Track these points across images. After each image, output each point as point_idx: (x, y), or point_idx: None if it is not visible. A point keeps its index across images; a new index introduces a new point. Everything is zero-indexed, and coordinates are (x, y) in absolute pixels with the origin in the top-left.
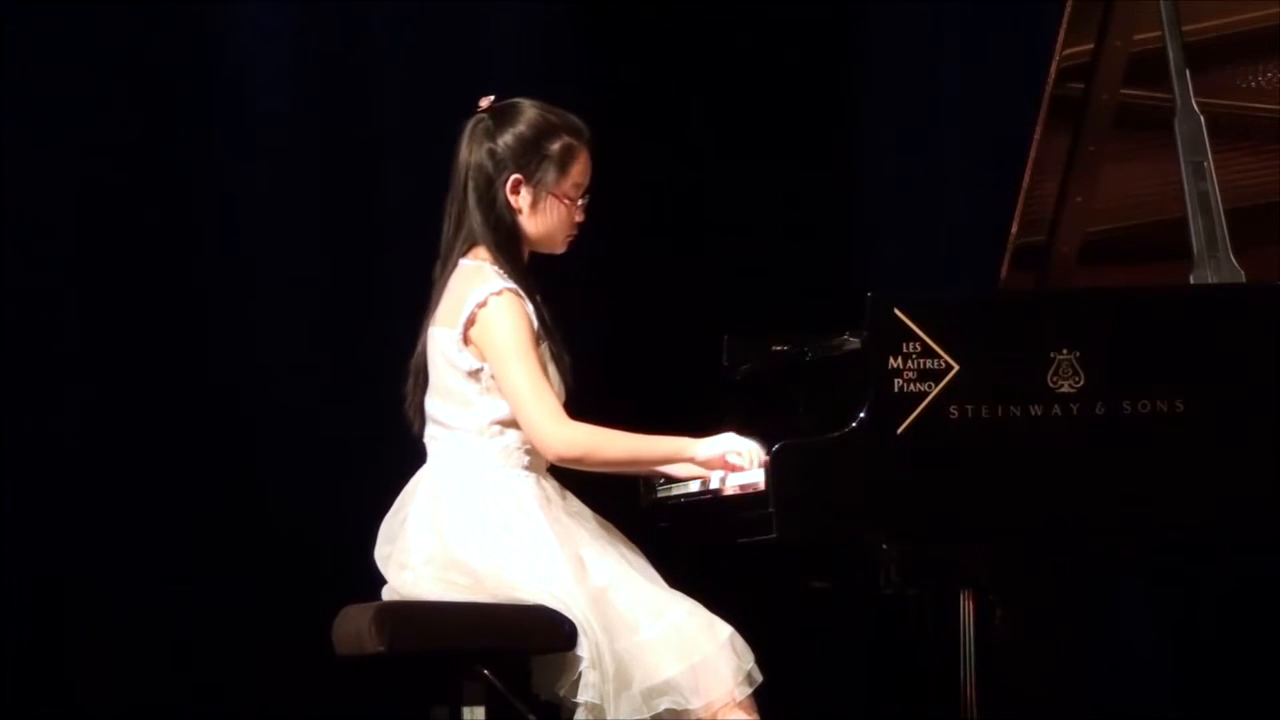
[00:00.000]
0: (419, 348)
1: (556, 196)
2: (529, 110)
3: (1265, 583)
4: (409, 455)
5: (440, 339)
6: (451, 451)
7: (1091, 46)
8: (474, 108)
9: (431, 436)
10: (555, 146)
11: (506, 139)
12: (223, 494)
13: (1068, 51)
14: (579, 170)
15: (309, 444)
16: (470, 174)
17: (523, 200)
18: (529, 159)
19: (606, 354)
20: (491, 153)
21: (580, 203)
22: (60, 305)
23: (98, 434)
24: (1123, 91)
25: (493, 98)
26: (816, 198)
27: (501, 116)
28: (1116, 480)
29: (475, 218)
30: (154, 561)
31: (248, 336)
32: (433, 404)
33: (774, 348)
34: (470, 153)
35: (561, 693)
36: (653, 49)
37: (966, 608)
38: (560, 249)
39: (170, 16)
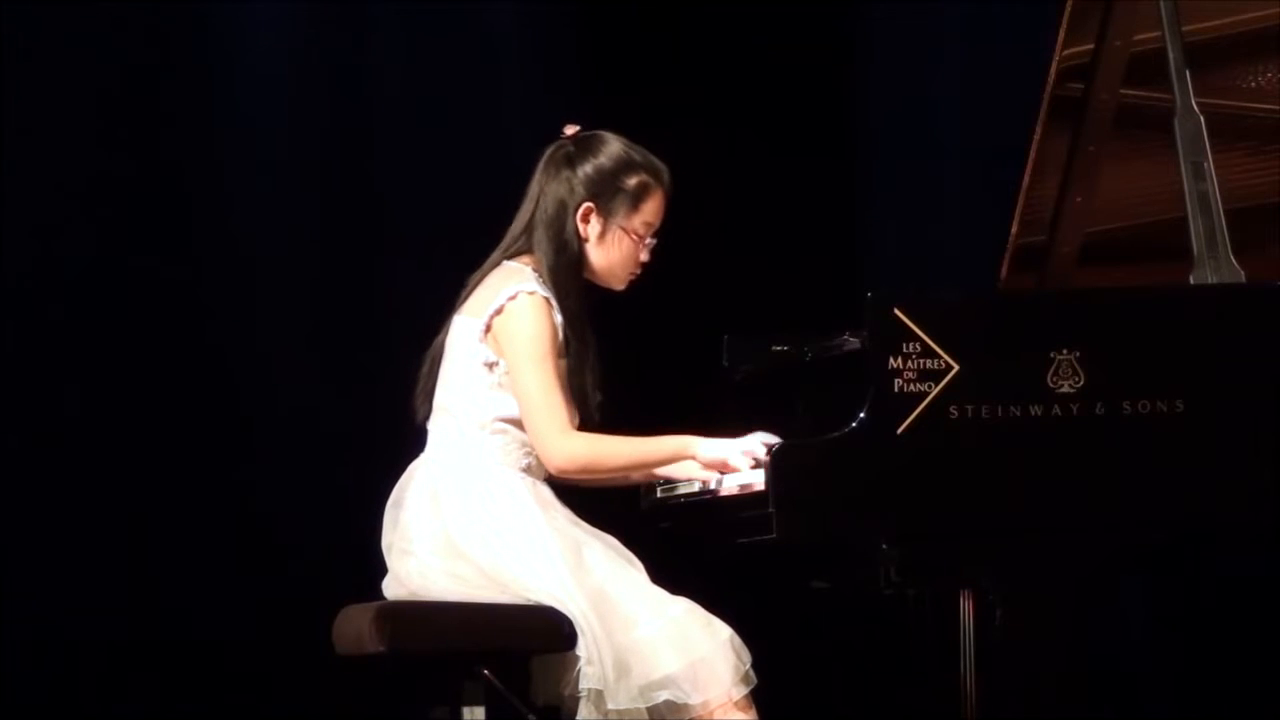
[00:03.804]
0: (439, 337)
1: (625, 231)
2: (612, 143)
3: (1265, 581)
4: (409, 455)
5: (463, 327)
6: (452, 440)
7: (1091, 46)
8: (559, 133)
9: (435, 424)
10: (632, 182)
11: (586, 169)
12: (222, 494)
13: (1068, 51)
14: (651, 209)
15: (309, 444)
16: (544, 198)
17: (592, 229)
18: (604, 190)
19: (606, 354)
20: (569, 180)
21: (648, 242)
22: (60, 304)
23: (97, 432)
24: (1123, 91)
25: (578, 127)
26: (816, 197)
27: (583, 146)
28: (1116, 480)
29: (541, 240)
30: (153, 561)
31: (247, 336)
32: (443, 392)
33: (774, 348)
34: (548, 178)
35: (566, 692)
36: (652, 48)
37: (966, 608)
38: (620, 286)
39: (171, 16)
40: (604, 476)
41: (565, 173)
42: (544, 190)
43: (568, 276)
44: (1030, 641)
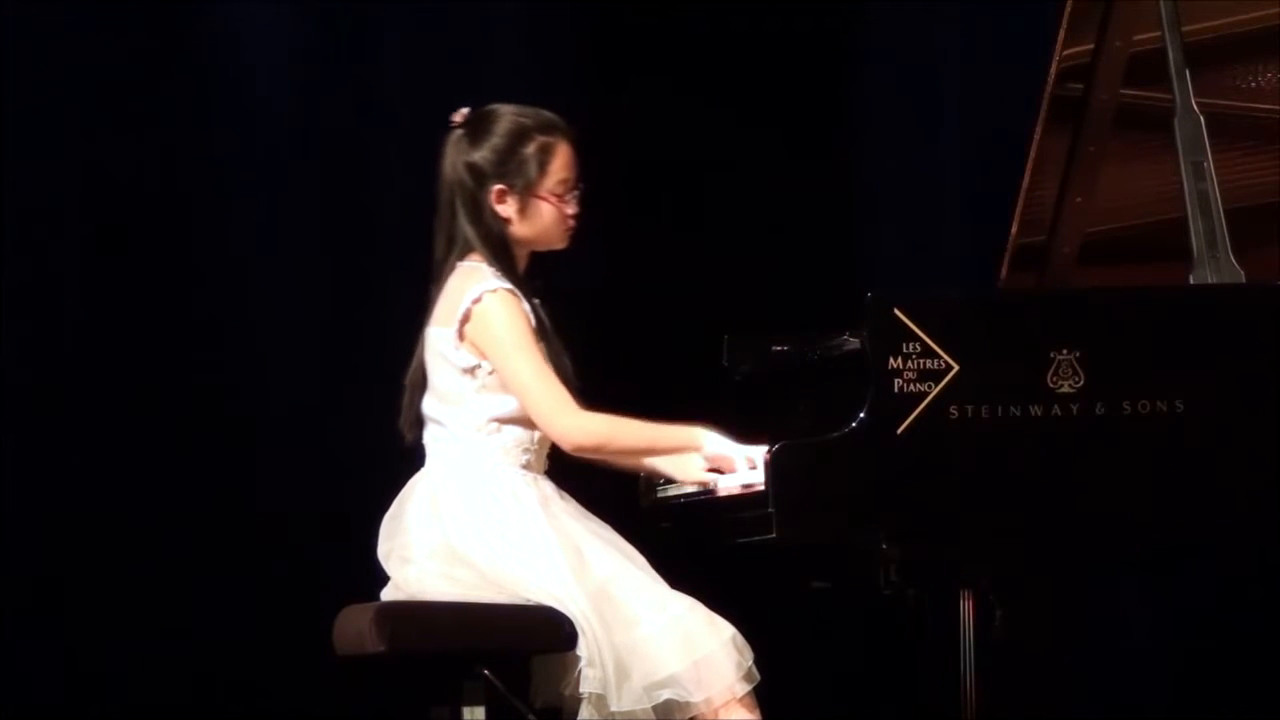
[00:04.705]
0: (415, 360)
1: (542, 197)
2: (502, 118)
3: (1264, 582)
4: (408, 455)
5: (436, 338)
6: (450, 449)
7: (1091, 46)
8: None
9: (430, 437)
10: (530, 149)
11: (483, 151)
12: (222, 494)
13: (1068, 51)
14: (560, 166)
15: (309, 444)
16: (455, 190)
17: (509, 209)
18: (507, 166)
19: (606, 354)
20: (471, 166)
21: (570, 196)
22: (59, 305)
23: (96, 433)
24: (1123, 91)
25: (466, 110)
26: (816, 198)
27: (475, 128)
28: (1116, 480)
29: (468, 231)
30: (153, 562)
31: (247, 337)
32: (430, 404)
33: (774, 348)
34: (452, 168)
35: (567, 692)
36: (651, 49)
37: (966, 608)
38: (561, 244)
39: (171, 16)
40: (616, 456)
41: (465, 161)
42: (453, 186)
43: (506, 262)
44: (1030, 641)
